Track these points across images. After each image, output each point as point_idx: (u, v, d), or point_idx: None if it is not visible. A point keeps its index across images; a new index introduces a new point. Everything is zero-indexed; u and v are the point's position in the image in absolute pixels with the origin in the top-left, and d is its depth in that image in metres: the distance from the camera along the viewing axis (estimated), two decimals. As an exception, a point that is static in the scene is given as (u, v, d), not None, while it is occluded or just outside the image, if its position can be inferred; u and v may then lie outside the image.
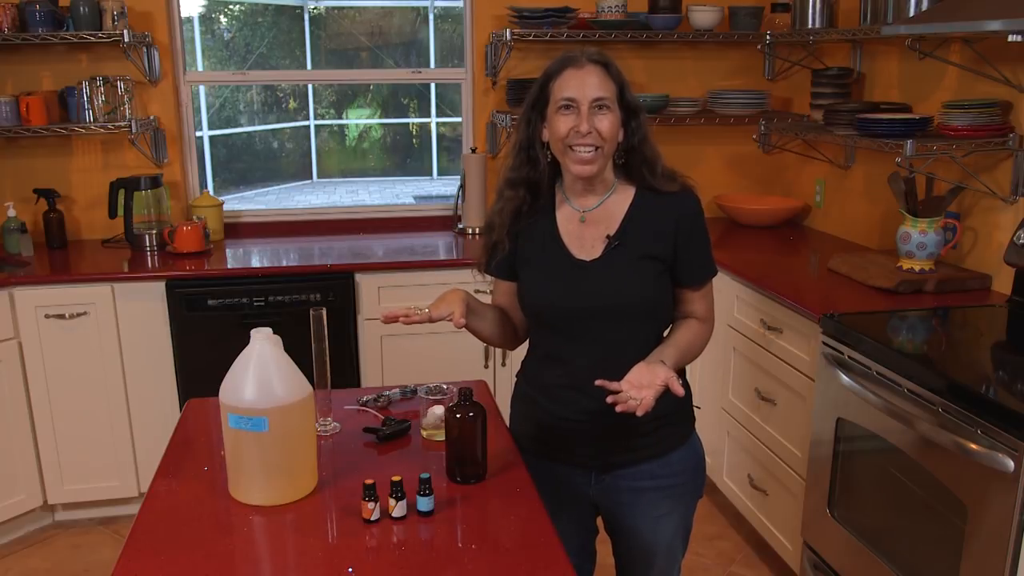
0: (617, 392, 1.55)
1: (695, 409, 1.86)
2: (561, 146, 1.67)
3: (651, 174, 1.71)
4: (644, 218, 1.71)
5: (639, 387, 1.55)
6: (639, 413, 1.52)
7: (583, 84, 1.64)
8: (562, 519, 1.66)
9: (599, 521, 1.91)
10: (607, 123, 1.64)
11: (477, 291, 1.77)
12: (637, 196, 1.73)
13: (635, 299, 1.69)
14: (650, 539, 1.81)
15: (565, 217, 1.76)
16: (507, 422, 1.91)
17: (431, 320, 1.65)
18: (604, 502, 1.82)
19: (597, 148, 1.65)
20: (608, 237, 1.71)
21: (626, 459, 1.76)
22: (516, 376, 1.90)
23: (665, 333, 1.78)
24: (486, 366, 3.29)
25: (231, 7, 10.46)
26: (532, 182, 1.76)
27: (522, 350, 1.90)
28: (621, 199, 1.73)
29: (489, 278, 1.87)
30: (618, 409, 1.53)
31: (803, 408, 2.55)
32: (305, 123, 11.43)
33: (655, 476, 1.76)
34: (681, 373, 1.79)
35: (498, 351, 3.27)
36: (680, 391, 1.57)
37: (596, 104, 1.64)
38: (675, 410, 1.77)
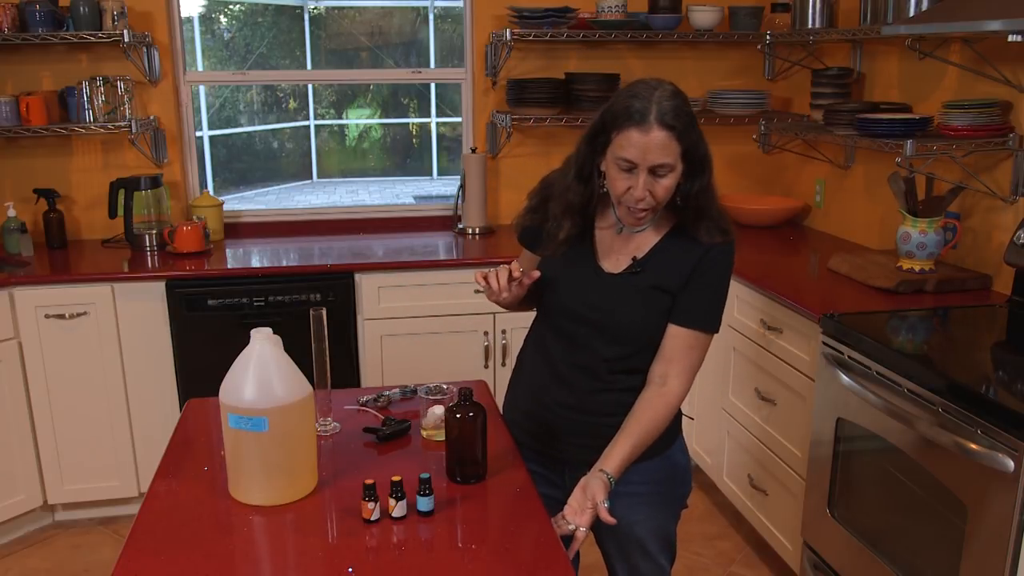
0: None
1: (688, 419, 1.85)
2: (616, 199, 1.65)
3: (695, 222, 1.67)
4: (673, 252, 1.69)
5: (578, 512, 1.58)
6: (574, 545, 1.54)
7: (646, 150, 1.55)
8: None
9: None
10: (663, 188, 1.59)
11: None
12: (675, 230, 1.71)
13: (632, 326, 1.69)
14: (623, 541, 1.82)
15: (605, 224, 1.76)
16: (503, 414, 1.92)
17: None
18: None
19: (651, 208, 1.63)
20: (634, 259, 1.71)
21: (593, 459, 1.72)
22: (516, 358, 1.94)
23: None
24: (486, 366, 3.29)
25: (231, 7, 10.47)
26: (587, 204, 1.73)
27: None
28: (660, 227, 1.72)
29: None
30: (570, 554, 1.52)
31: (803, 408, 2.55)
32: (305, 123, 11.43)
33: (626, 482, 1.73)
34: None
35: (498, 351, 3.27)
36: (610, 520, 1.57)
37: (656, 169, 1.58)
38: None
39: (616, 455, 1.63)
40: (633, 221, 1.68)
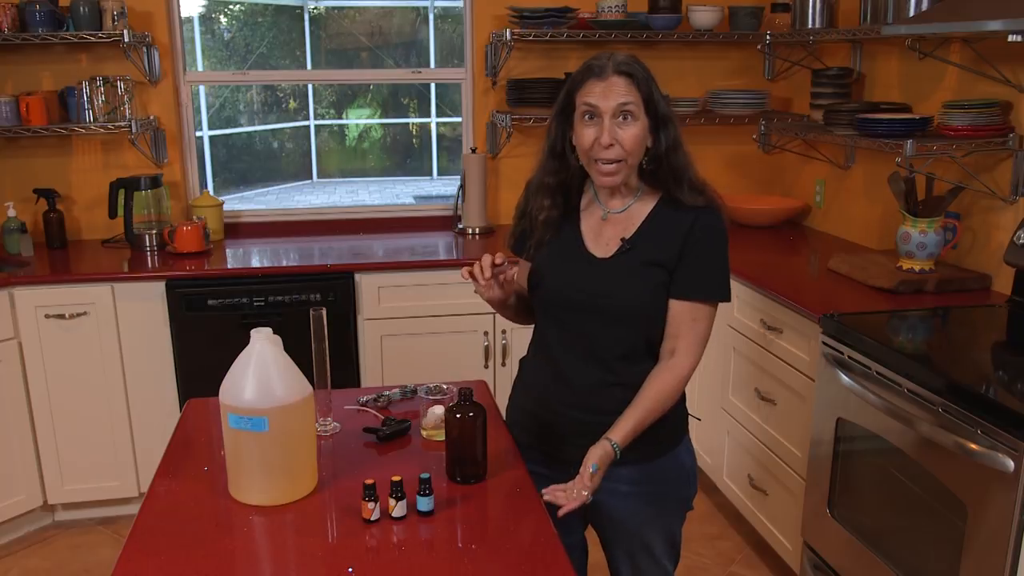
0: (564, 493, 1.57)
1: (693, 419, 1.85)
2: (586, 157, 1.68)
3: (676, 185, 1.70)
4: (660, 226, 1.71)
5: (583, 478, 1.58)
6: (570, 505, 1.54)
7: (606, 95, 1.62)
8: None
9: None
10: (631, 134, 1.63)
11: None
12: (659, 204, 1.73)
13: (629, 303, 1.69)
14: (629, 542, 1.81)
15: (590, 213, 1.78)
16: (507, 417, 1.92)
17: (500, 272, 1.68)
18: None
19: (620, 160, 1.65)
20: (623, 240, 1.71)
21: None
22: (519, 361, 1.93)
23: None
24: (486, 366, 3.29)
25: (231, 7, 10.46)
26: (565, 185, 1.77)
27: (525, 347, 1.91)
28: (644, 205, 1.73)
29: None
30: (560, 513, 1.53)
31: (803, 408, 2.55)
32: (305, 123, 11.43)
33: (634, 482, 1.75)
34: None
35: (498, 351, 3.27)
36: (586, 484, 1.57)
37: (619, 114, 1.62)
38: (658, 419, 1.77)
39: (624, 425, 1.64)
40: (605, 181, 1.68)
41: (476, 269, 1.67)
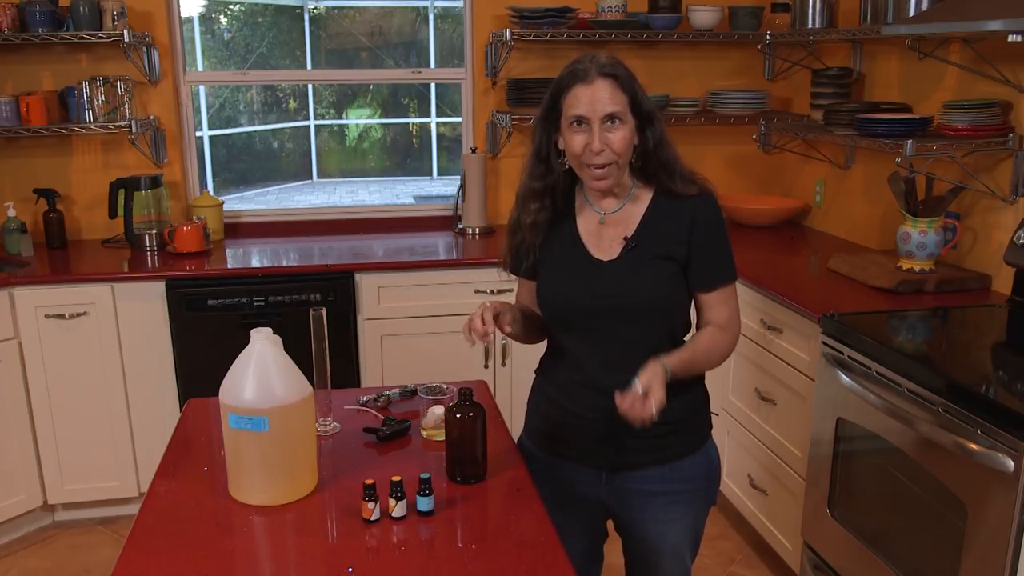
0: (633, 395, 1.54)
1: (713, 415, 1.86)
2: (577, 162, 1.68)
3: (668, 178, 1.71)
4: (661, 220, 1.72)
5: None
6: (644, 417, 1.51)
7: (593, 100, 1.62)
8: (571, 519, 1.66)
9: (608, 523, 1.91)
10: (619, 137, 1.64)
11: (500, 291, 1.77)
12: (655, 199, 1.73)
13: (648, 299, 1.70)
14: (657, 542, 1.81)
15: (585, 218, 1.77)
16: (508, 422, 1.91)
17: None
18: (613, 503, 1.81)
19: (611, 163, 1.65)
20: (626, 239, 1.72)
21: (636, 461, 1.75)
22: (535, 372, 1.91)
23: (686, 337, 1.78)
24: (486, 366, 3.29)
25: (231, 7, 10.46)
26: (551, 188, 1.77)
27: (531, 349, 1.90)
28: (640, 202, 1.74)
29: (514, 276, 1.89)
30: (625, 411, 1.52)
31: (803, 408, 2.55)
32: (305, 123, 11.43)
33: (665, 480, 1.75)
34: (699, 380, 1.80)
35: (498, 351, 3.27)
36: (649, 412, 1.52)
37: (608, 119, 1.63)
38: (688, 417, 1.77)
39: (677, 354, 1.65)
40: (598, 185, 1.68)
41: (476, 321, 1.64)
